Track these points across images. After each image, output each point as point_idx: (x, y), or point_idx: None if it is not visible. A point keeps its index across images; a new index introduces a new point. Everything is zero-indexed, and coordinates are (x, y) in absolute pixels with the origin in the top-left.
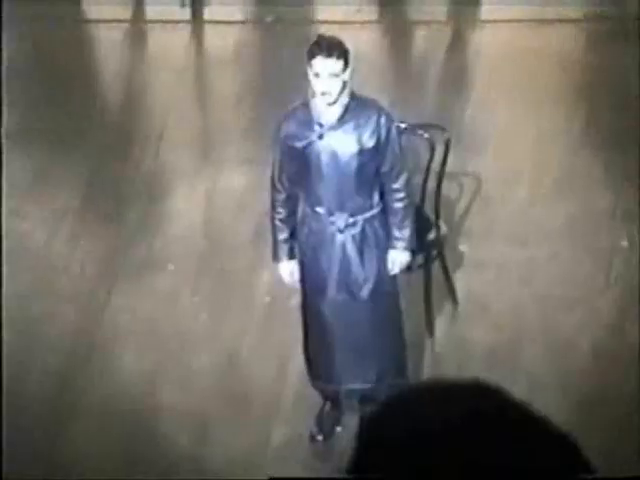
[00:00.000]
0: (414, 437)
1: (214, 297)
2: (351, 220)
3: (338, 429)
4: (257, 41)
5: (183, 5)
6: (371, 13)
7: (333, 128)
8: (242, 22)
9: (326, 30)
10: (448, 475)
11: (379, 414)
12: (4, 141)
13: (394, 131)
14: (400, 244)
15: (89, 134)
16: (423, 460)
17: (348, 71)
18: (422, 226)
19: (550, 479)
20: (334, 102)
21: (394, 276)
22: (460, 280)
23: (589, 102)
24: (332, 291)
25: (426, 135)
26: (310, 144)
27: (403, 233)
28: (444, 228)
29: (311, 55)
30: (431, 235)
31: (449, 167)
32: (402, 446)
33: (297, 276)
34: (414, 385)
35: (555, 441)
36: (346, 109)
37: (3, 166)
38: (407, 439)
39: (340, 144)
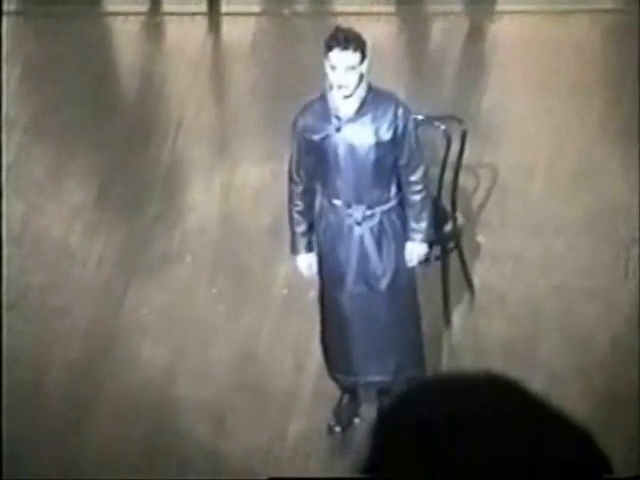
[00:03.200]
0: (429, 431)
1: (232, 289)
2: (369, 212)
3: (356, 421)
4: (274, 33)
5: None
6: (388, 5)
7: (350, 121)
8: (259, 14)
9: (343, 22)
10: (463, 470)
11: (394, 409)
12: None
13: (411, 124)
14: (417, 236)
15: (106, 127)
16: (439, 454)
17: (365, 63)
18: (439, 218)
19: (566, 474)
20: (351, 95)
21: (412, 268)
22: (477, 272)
23: (607, 94)
24: (350, 283)
25: (443, 127)
26: (327, 137)
27: (420, 225)
28: (461, 220)
29: (328, 48)
30: (448, 227)
31: (466, 159)
32: (418, 440)
33: (315, 268)
34: (429, 379)
35: (571, 435)
36: (363, 102)
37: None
38: (422, 433)
39: (357, 137)
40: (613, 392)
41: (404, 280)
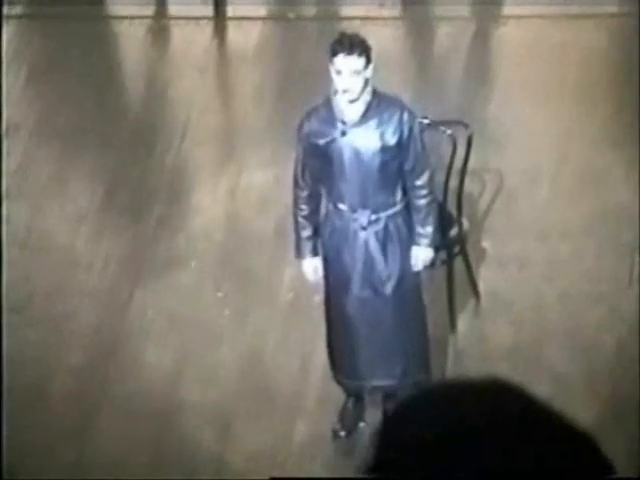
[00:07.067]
0: (434, 436)
1: (237, 294)
2: (374, 217)
3: (361, 425)
4: (279, 38)
5: (206, 2)
6: (394, 9)
7: (356, 125)
8: (264, 19)
9: (348, 27)
10: (468, 475)
11: (400, 414)
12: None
13: (417, 128)
14: (423, 240)
15: (112, 131)
16: (443, 460)
17: (370, 68)
18: (445, 222)
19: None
20: (356, 99)
21: (417, 272)
22: (482, 276)
23: (612, 98)
24: (356, 288)
25: (448, 131)
26: (333, 141)
27: (426, 230)
28: (466, 224)
29: (333, 52)
30: (453, 231)
31: (471, 163)
32: (423, 446)
33: (321, 273)
34: (434, 384)
35: (575, 440)
36: (368, 106)
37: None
38: (427, 439)
39: (363, 141)
40: (618, 397)
41: (409, 285)
